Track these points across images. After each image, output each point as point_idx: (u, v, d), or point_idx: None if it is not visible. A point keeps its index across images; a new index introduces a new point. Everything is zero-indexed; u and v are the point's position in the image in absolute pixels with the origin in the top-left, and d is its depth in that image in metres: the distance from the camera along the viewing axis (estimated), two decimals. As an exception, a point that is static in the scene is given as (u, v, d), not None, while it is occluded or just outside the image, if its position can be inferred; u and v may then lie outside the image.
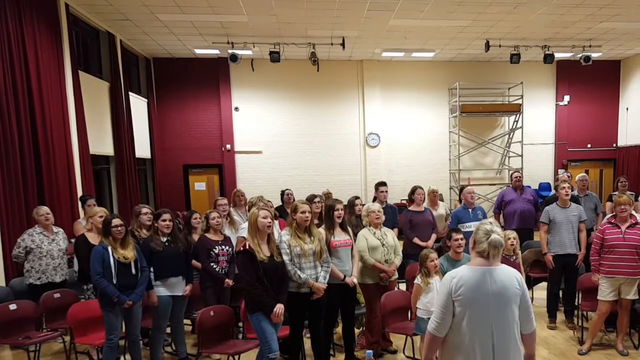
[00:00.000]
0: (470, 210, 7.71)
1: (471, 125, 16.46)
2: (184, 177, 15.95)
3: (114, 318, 5.33)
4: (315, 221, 5.80)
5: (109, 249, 5.31)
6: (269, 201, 7.66)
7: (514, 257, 6.39)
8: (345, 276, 5.55)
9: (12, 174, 7.67)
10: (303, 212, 5.17)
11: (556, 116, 17.11)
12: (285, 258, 5.08)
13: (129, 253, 5.41)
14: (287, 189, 9.21)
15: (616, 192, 8.39)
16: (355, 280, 5.66)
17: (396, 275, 6.18)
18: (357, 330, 6.44)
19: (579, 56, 14.29)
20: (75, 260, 6.83)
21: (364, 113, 16.17)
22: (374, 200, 8.02)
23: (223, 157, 15.78)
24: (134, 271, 5.42)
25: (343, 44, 12.99)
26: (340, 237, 5.64)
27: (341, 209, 5.71)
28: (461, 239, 5.69)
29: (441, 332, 3.28)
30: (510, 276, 3.28)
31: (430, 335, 3.33)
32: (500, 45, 13.66)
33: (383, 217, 6.14)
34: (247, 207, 7.92)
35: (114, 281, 5.27)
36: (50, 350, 6.72)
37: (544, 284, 7.75)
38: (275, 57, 12.98)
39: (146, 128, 14.61)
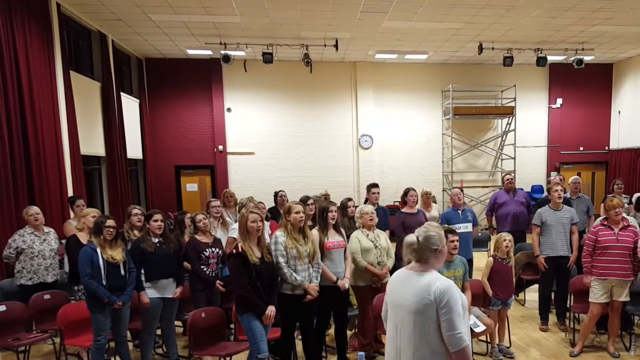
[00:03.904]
0: (459, 211, 7.70)
1: (464, 127, 16.47)
2: (175, 178, 15.88)
3: (102, 319, 5.29)
4: (309, 223, 5.78)
5: (98, 249, 5.27)
6: (260, 202, 7.62)
7: (507, 260, 6.38)
8: (337, 279, 5.53)
9: (2, 174, 7.60)
10: (297, 213, 5.16)
11: (549, 119, 17.17)
12: (281, 260, 5.06)
13: (118, 255, 5.37)
14: (280, 191, 9.17)
15: (611, 195, 8.41)
16: (346, 285, 5.64)
17: (389, 277, 6.15)
18: (349, 332, 6.42)
19: (572, 59, 14.35)
20: (66, 261, 6.78)
21: (357, 115, 16.16)
22: (365, 202, 8.00)
23: (215, 158, 15.73)
24: (122, 272, 5.39)
25: (336, 46, 12.98)
26: (333, 238, 5.63)
27: (335, 211, 5.70)
28: (457, 240, 5.67)
29: (385, 321, 3.45)
30: (426, 286, 3.06)
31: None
32: (493, 48, 13.70)
33: (376, 219, 6.12)
34: (236, 207, 7.88)
35: (104, 282, 5.23)
36: (40, 352, 6.67)
37: (536, 286, 7.77)
38: (268, 58, 12.95)
39: (138, 128, 14.55)
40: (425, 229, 3.23)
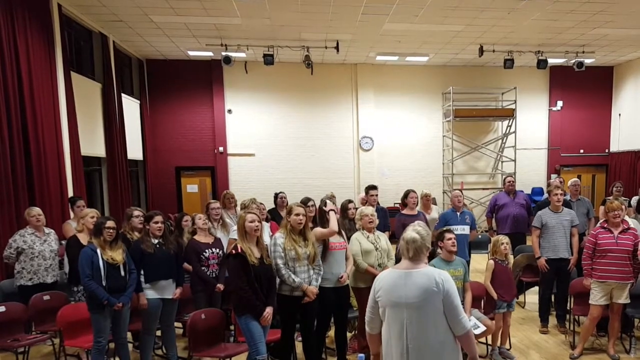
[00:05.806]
0: (458, 213, 7.70)
1: (464, 129, 16.47)
2: (176, 179, 15.88)
3: (102, 320, 5.29)
4: (310, 224, 5.79)
5: (98, 250, 5.27)
6: (261, 203, 7.63)
7: (506, 262, 6.38)
8: (340, 277, 5.57)
9: (3, 174, 7.59)
10: (297, 215, 5.17)
11: (549, 121, 17.16)
12: (279, 261, 5.07)
13: (118, 256, 5.37)
14: (280, 192, 9.17)
15: (610, 197, 8.41)
16: (346, 278, 5.66)
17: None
18: (349, 334, 6.42)
19: (572, 62, 14.35)
20: (66, 262, 6.78)
21: (358, 116, 16.16)
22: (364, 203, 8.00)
23: (215, 160, 15.73)
24: (122, 273, 5.39)
25: (337, 48, 12.99)
26: (335, 239, 5.64)
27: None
28: (454, 238, 5.66)
29: (372, 328, 3.53)
30: (429, 278, 3.25)
31: (366, 331, 3.59)
32: (494, 50, 13.70)
33: (376, 221, 6.12)
34: (237, 208, 7.90)
35: (103, 283, 5.23)
36: (39, 353, 6.66)
37: (536, 288, 7.77)
38: (269, 59, 12.96)
39: (138, 130, 14.54)
40: (419, 228, 3.39)
